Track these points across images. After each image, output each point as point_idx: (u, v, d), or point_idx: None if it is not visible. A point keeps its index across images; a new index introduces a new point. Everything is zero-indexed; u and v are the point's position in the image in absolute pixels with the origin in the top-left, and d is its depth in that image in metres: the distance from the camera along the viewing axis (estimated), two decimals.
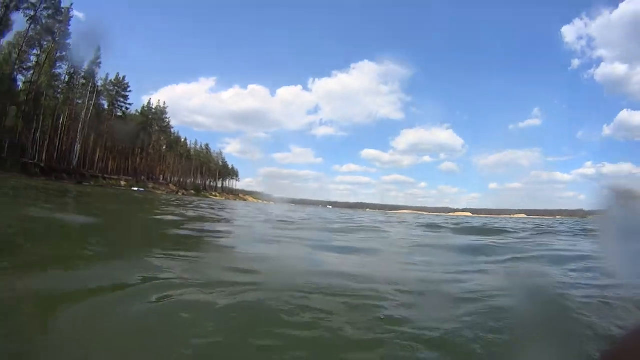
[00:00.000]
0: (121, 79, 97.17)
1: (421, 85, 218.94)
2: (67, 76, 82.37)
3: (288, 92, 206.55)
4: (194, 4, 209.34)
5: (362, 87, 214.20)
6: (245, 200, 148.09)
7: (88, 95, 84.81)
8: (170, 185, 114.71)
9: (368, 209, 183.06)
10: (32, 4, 70.76)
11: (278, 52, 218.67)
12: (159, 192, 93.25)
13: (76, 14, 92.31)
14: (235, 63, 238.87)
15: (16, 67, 72.65)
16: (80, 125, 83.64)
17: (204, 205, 33.86)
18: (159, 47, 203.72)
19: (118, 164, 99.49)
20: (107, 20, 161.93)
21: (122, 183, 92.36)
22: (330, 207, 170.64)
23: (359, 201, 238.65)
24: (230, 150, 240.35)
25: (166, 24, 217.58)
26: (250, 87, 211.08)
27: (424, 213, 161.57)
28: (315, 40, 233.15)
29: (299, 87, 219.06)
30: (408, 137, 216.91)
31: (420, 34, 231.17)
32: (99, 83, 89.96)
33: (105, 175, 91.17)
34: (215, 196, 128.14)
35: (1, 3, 66.87)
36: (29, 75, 75.27)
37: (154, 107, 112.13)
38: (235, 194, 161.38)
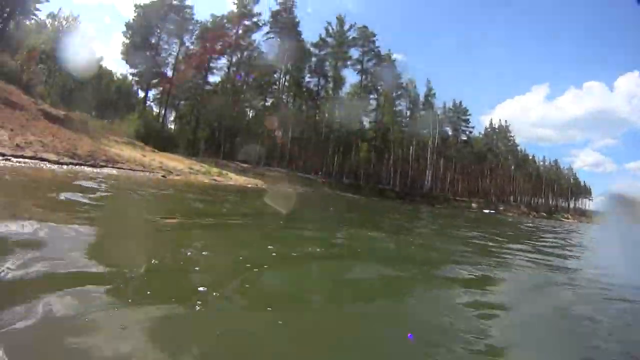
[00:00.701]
0: (458, 104, 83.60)
1: None
2: (407, 111, 75.22)
3: (627, 81, 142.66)
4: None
5: None
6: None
7: (430, 124, 74.37)
8: (521, 206, 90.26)
9: None
10: (357, 59, 69.08)
11: (601, 34, 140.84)
12: (510, 214, 74.10)
13: (396, 56, 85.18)
14: (563, 60, 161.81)
15: (359, 111, 68.35)
16: (428, 153, 74.54)
17: None
18: (486, 64, 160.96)
19: (467, 186, 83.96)
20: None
21: (473, 205, 76.12)
22: None
23: None
24: (579, 165, 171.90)
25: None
26: (586, 85, 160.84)
27: None
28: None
29: (636, 72, 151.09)
30: None
31: None
32: (439, 112, 79.23)
33: (457, 198, 77.56)
34: (567, 219, 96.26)
35: (331, 65, 67.27)
36: (373, 116, 71.42)
37: (496, 126, 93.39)
38: (588, 215, 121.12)
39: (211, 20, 57.59)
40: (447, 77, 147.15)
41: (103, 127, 34.92)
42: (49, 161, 17.79)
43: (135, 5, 54.23)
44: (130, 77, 57.28)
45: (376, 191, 60.34)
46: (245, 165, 46.16)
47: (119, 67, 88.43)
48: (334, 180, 58.68)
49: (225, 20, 58.12)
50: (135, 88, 58.19)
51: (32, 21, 44.02)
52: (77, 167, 18.91)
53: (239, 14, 58.09)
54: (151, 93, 56.68)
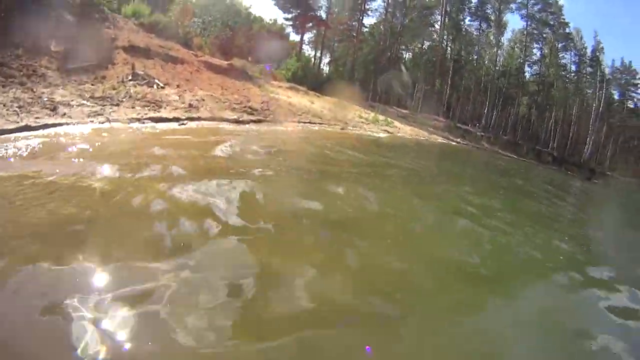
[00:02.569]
0: (628, 64, 64.42)
1: None
2: (572, 65, 60.83)
3: None
4: None
5: None
6: None
7: (597, 85, 59.93)
8: None
9: None
10: (521, 3, 56.47)
11: None
12: None
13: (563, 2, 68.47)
14: None
15: (521, 60, 58.30)
16: (592, 117, 59.97)
17: None
18: None
19: (631, 163, 65.81)
20: None
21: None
22: None
23: None
24: None
25: None
26: None
27: None
28: None
29: None
30: None
31: None
32: (607, 71, 62.91)
33: (614, 175, 61.04)
34: None
35: (494, 7, 55.97)
36: (536, 68, 59.69)
37: None
38: None
39: None
40: (616, 29, 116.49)
41: (261, 71, 31.25)
42: (228, 120, 13.82)
43: None
44: (282, 22, 54.36)
45: (534, 153, 52.04)
46: (404, 111, 41.98)
47: (267, 13, 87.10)
48: (492, 134, 51.59)
49: None
50: (287, 32, 55.18)
51: None
52: (259, 124, 14.85)
53: None
54: (306, 36, 52.95)
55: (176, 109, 12.70)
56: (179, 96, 14.27)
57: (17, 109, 9.48)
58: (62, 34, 15.66)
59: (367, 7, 51.69)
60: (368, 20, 53.63)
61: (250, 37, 47.10)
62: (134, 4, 25.63)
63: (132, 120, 10.61)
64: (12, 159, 6.35)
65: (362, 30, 52.22)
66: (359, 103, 36.20)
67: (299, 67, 40.58)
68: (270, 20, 57.61)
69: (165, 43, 21.67)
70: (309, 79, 38.58)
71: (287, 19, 52.04)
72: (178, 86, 15.84)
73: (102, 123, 9.90)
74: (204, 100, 14.73)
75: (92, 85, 13.13)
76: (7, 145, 7.01)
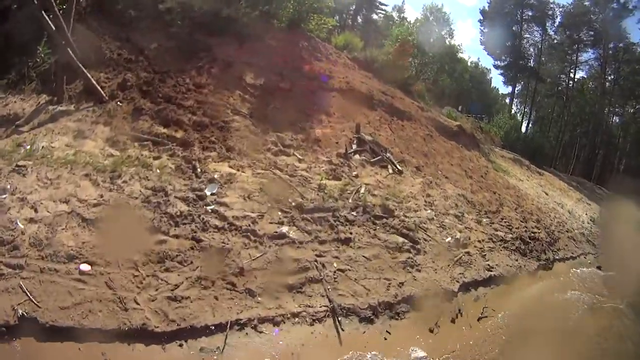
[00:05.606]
0: None
1: None
2: None
3: None
4: None
5: None
6: None
7: None
8: None
9: None
10: None
11: None
12: None
13: None
14: None
15: None
16: None
17: None
18: None
19: None
20: None
21: None
22: None
23: None
24: None
25: None
26: None
27: None
28: None
29: None
30: None
31: None
32: None
33: None
34: None
35: None
36: None
37: None
38: None
39: (573, 3, 40.80)
40: None
41: (474, 128, 23.26)
42: None
43: None
44: (481, 65, 49.35)
45: None
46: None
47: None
48: None
49: (589, 3, 39.90)
50: (488, 77, 49.92)
51: (380, 16, 41.75)
52: (537, 280, 7.75)
53: None
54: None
55: (437, 254, 6.19)
56: (427, 200, 8.03)
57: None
58: (261, 63, 10.84)
59: (578, 58, 41.29)
60: (579, 74, 42.88)
61: (455, 81, 41.44)
62: (345, 34, 20.38)
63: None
64: None
65: (571, 86, 41.94)
66: (565, 178, 27.27)
67: (512, 127, 33.53)
68: (472, 63, 51.45)
69: (385, 88, 15.62)
70: (521, 142, 31.35)
71: (496, 67, 45.48)
72: (418, 169, 9.80)
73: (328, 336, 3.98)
74: (463, 216, 8.18)
75: (300, 159, 7.72)
76: None
